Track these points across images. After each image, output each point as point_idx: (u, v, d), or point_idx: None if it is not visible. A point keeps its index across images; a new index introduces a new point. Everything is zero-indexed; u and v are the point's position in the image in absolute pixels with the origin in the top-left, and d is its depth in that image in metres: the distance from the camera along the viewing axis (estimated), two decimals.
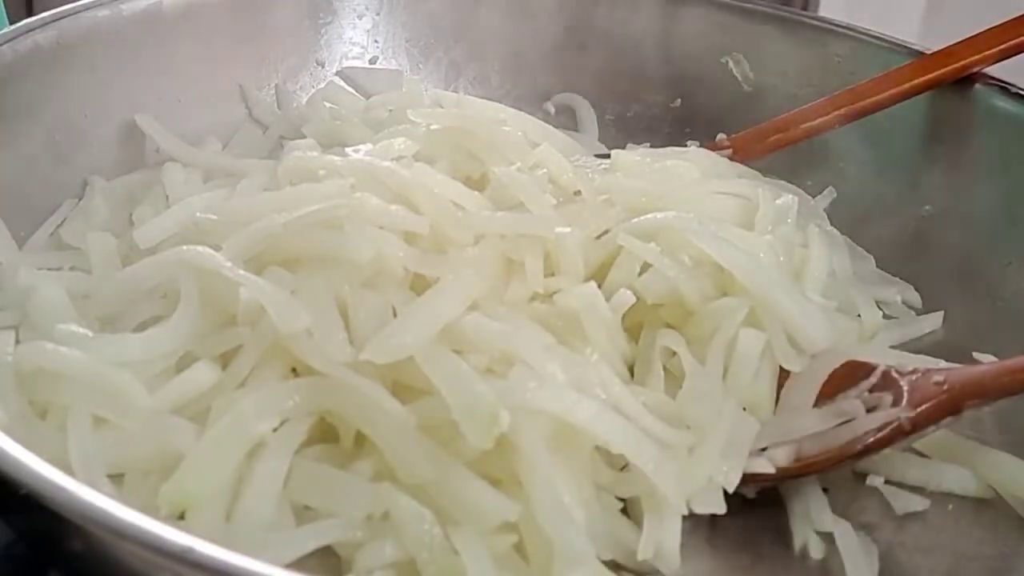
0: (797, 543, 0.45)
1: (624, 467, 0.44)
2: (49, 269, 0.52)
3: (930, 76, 0.62)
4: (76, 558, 0.33)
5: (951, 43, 0.63)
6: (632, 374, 0.49)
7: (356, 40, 0.75)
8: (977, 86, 0.62)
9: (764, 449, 0.46)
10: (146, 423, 0.41)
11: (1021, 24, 0.61)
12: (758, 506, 0.46)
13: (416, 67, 0.77)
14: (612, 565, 0.41)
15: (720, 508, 0.44)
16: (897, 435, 0.44)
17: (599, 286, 0.48)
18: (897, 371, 0.47)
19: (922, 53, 0.65)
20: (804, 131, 0.65)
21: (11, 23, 0.58)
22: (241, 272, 0.44)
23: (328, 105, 0.72)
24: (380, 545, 0.38)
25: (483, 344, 0.43)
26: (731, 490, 0.44)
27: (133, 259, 0.50)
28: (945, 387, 0.44)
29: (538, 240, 0.49)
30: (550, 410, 0.40)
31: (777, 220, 0.57)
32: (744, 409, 0.48)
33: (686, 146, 0.67)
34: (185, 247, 0.45)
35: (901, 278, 0.62)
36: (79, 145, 0.59)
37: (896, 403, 0.45)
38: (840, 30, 0.69)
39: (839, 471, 0.47)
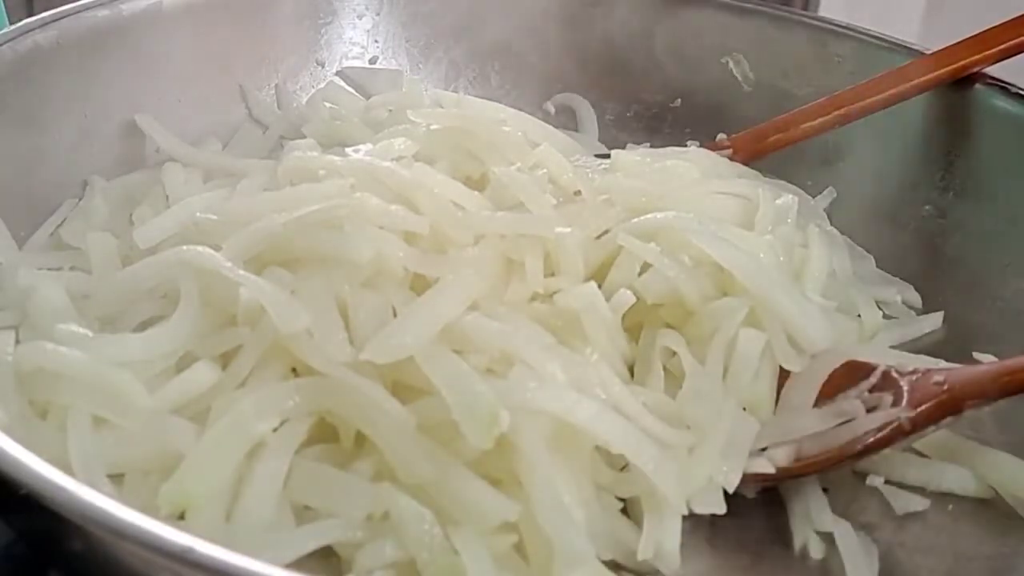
0: (797, 543, 0.45)
1: (624, 467, 0.44)
2: (49, 269, 0.52)
3: (930, 76, 0.62)
4: (76, 558, 0.33)
5: (951, 43, 0.63)
6: (632, 374, 0.49)
7: (356, 40, 0.75)
8: (977, 86, 0.62)
9: (764, 449, 0.46)
10: (146, 423, 0.41)
11: (1021, 24, 0.61)
12: (758, 506, 0.46)
13: (416, 67, 0.77)
14: (612, 565, 0.41)
15: (720, 508, 0.44)
16: (897, 435, 0.44)
17: (599, 286, 0.48)
18: (897, 371, 0.47)
19: (922, 53, 0.65)
20: (804, 131, 0.65)
21: (11, 23, 0.58)
22: (241, 272, 0.44)
23: (328, 105, 0.72)
24: (380, 545, 0.38)
25: (483, 344, 0.43)
26: (731, 490, 0.44)
27: (133, 259, 0.50)
28: (945, 387, 0.44)
29: (538, 240, 0.49)
30: (550, 410, 0.40)
31: (777, 220, 0.57)
32: (744, 409, 0.48)
33: (686, 146, 0.67)
34: (185, 247, 0.45)
35: (901, 278, 0.62)
36: (79, 145, 0.59)
37: (896, 403, 0.45)
38: (840, 30, 0.69)
39: (839, 471, 0.47)
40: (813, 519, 0.45)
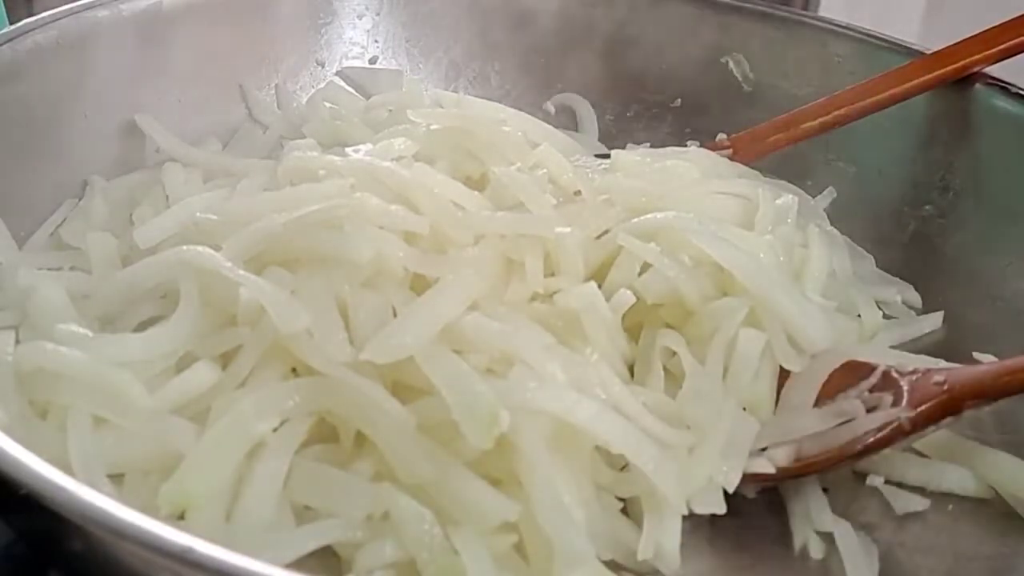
0: (797, 543, 0.45)
1: (624, 467, 0.44)
2: (49, 269, 0.52)
3: (930, 76, 0.62)
4: (76, 558, 0.33)
5: (951, 43, 0.63)
6: (632, 374, 0.49)
7: (356, 40, 0.75)
8: (977, 86, 0.62)
9: (764, 449, 0.46)
10: (146, 423, 0.41)
11: (1021, 24, 0.61)
12: (758, 506, 0.46)
13: (416, 67, 0.77)
14: (612, 565, 0.41)
15: (720, 508, 0.44)
16: (897, 435, 0.44)
17: (599, 286, 0.48)
18: (897, 371, 0.47)
19: (922, 53, 0.65)
20: (804, 131, 0.65)
21: (11, 23, 0.58)
22: (241, 272, 0.44)
23: (328, 105, 0.72)
24: (380, 545, 0.38)
25: (483, 344, 0.43)
26: (731, 490, 0.44)
27: (133, 259, 0.50)
28: (945, 387, 0.44)
29: (538, 240, 0.49)
30: (550, 410, 0.40)
31: (777, 220, 0.57)
32: (744, 409, 0.48)
33: (686, 146, 0.67)
34: (185, 247, 0.45)
35: (901, 278, 0.63)
36: (79, 145, 0.59)
37: (896, 403, 0.45)
38: (840, 30, 0.69)
39: (839, 471, 0.47)
40: (813, 519, 0.45)
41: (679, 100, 0.76)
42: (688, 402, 0.46)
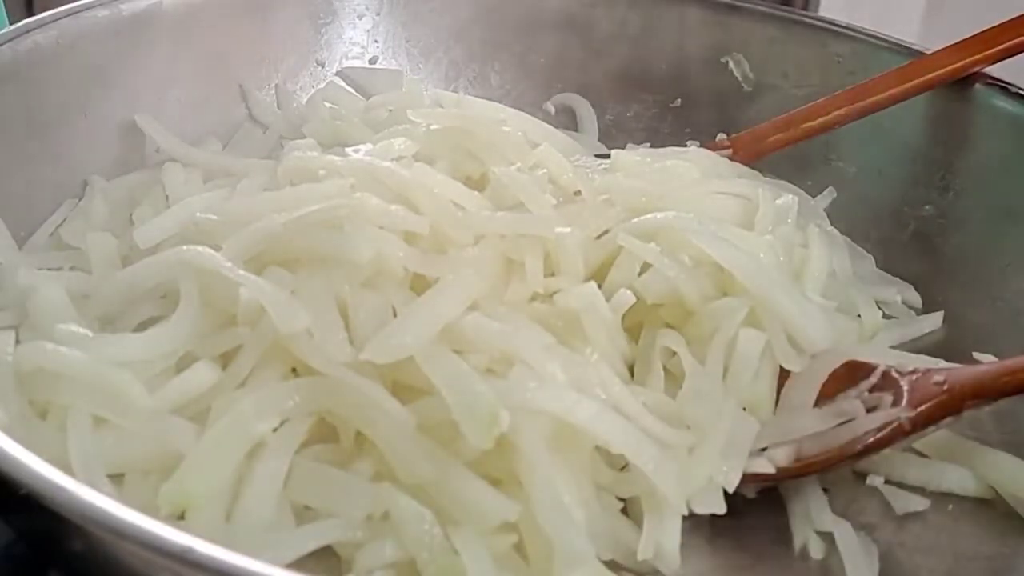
0: (797, 543, 0.45)
1: (624, 467, 0.44)
2: (49, 269, 0.52)
3: (930, 76, 0.62)
4: (76, 558, 0.33)
5: (951, 43, 0.63)
6: (632, 374, 0.49)
7: (356, 40, 0.75)
8: (977, 86, 0.62)
9: (764, 449, 0.46)
10: (146, 423, 0.41)
11: (1021, 24, 0.61)
12: (758, 506, 0.46)
13: (416, 67, 0.77)
14: (612, 565, 0.41)
15: (720, 508, 0.44)
16: (897, 435, 0.44)
17: (599, 286, 0.48)
18: (897, 371, 0.47)
19: (922, 53, 0.65)
20: (804, 131, 0.65)
21: (11, 23, 0.58)
22: (241, 272, 0.44)
23: (328, 105, 0.72)
24: (380, 545, 0.38)
25: (483, 344, 0.43)
26: (731, 490, 0.44)
27: (133, 259, 0.50)
28: (945, 387, 0.44)
29: (538, 240, 0.49)
30: (550, 410, 0.40)
31: (777, 220, 0.57)
32: (744, 409, 0.48)
33: (686, 146, 0.67)
34: (185, 247, 0.45)
35: (901, 278, 0.63)
36: (79, 145, 0.59)
37: (896, 403, 0.45)
38: (840, 30, 0.69)
39: (839, 471, 0.47)
40: (813, 519, 0.45)
41: (679, 100, 0.76)
42: (688, 402, 0.46)
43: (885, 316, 0.59)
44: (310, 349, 0.42)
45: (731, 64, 0.73)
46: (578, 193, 0.56)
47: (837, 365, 0.48)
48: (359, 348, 0.42)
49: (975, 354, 0.54)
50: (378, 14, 0.76)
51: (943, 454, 0.48)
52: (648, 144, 0.74)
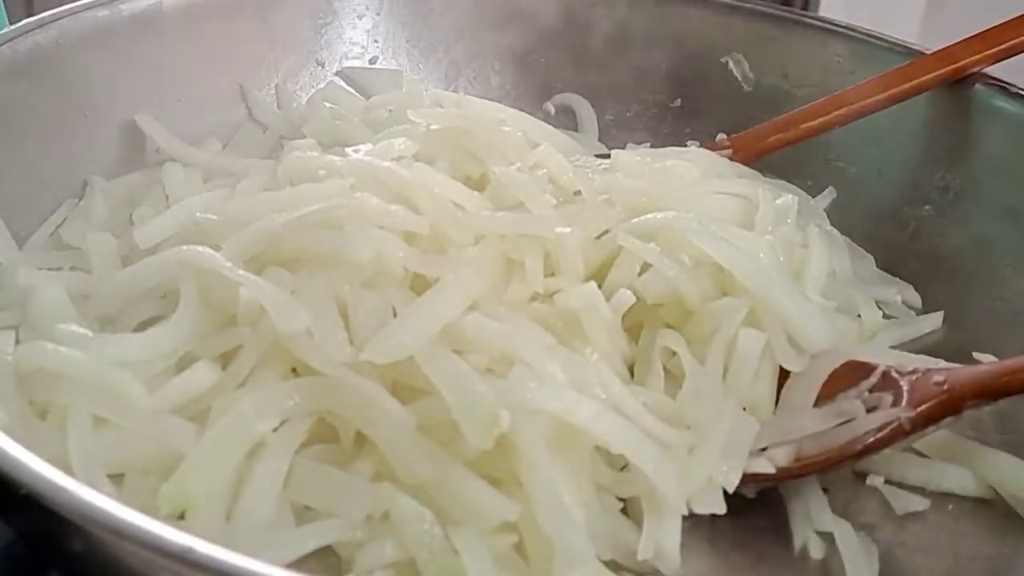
0: (797, 543, 0.45)
1: (624, 467, 0.44)
2: (49, 269, 0.52)
3: (930, 76, 0.62)
4: (76, 558, 0.33)
5: (951, 43, 0.63)
6: (632, 374, 0.49)
7: (356, 40, 0.75)
8: (977, 86, 0.62)
9: (764, 449, 0.46)
10: (146, 423, 0.41)
11: (1021, 24, 0.61)
12: (758, 506, 0.46)
13: (416, 67, 0.77)
14: (612, 565, 0.41)
15: (720, 508, 0.44)
16: (897, 435, 0.44)
17: (599, 286, 0.48)
18: (897, 371, 0.47)
19: (922, 53, 0.65)
20: (804, 131, 0.65)
21: (11, 23, 0.58)
22: (241, 272, 0.44)
23: (328, 105, 0.72)
24: (380, 545, 0.38)
25: (483, 344, 0.43)
26: (731, 490, 0.44)
27: (133, 259, 0.50)
28: (945, 387, 0.44)
29: (538, 240, 0.49)
30: (550, 410, 0.40)
31: (777, 220, 0.57)
32: (744, 409, 0.48)
33: (686, 146, 0.67)
34: (185, 247, 0.45)
35: (901, 278, 0.63)
36: (79, 145, 0.59)
37: (896, 403, 0.45)
38: (840, 30, 0.69)
39: (839, 471, 0.47)
40: (813, 519, 0.45)
41: (679, 100, 0.76)
42: (688, 402, 0.46)
43: (885, 316, 0.59)
44: (310, 349, 0.42)
45: (731, 64, 0.73)
46: (578, 193, 0.56)
47: (837, 365, 0.48)
48: (359, 348, 0.42)
49: (975, 354, 0.54)
50: (378, 14, 0.76)
51: (943, 454, 0.48)
52: (648, 144, 0.74)
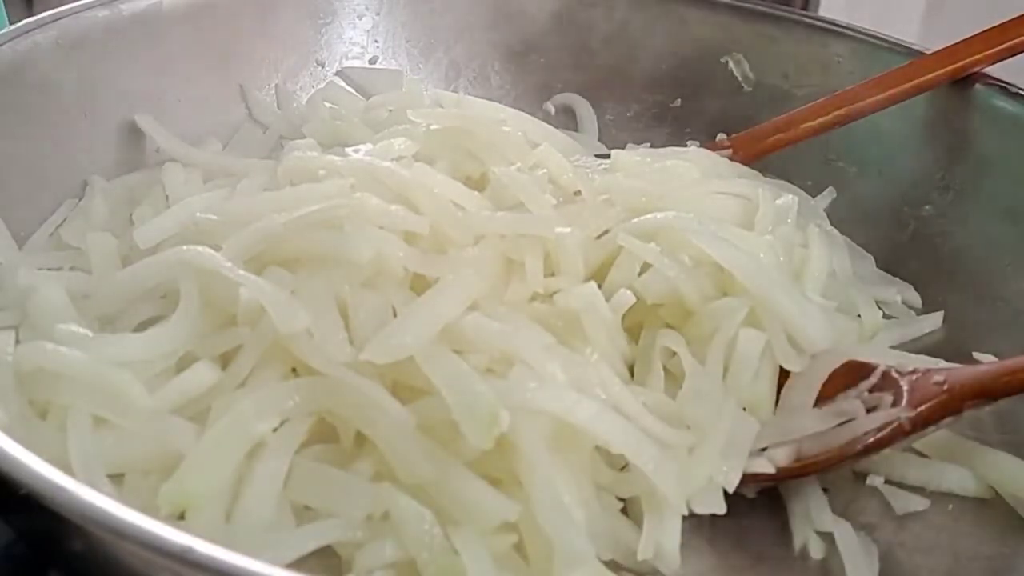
0: (797, 543, 0.45)
1: (624, 467, 0.44)
2: (49, 269, 0.52)
3: (930, 76, 0.62)
4: (76, 558, 0.33)
5: (951, 43, 0.63)
6: (632, 374, 0.49)
7: (356, 40, 0.75)
8: (977, 86, 0.62)
9: (764, 449, 0.46)
10: (146, 423, 0.41)
11: (1021, 24, 0.61)
12: (758, 506, 0.46)
13: (416, 67, 0.77)
14: (612, 565, 0.41)
15: (720, 508, 0.44)
16: (897, 435, 0.44)
17: (599, 286, 0.48)
18: (897, 371, 0.47)
19: (922, 53, 0.65)
20: (804, 131, 0.65)
21: (11, 23, 0.58)
22: (241, 272, 0.44)
23: (328, 105, 0.72)
24: (380, 545, 0.38)
25: (483, 344, 0.43)
26: (731, 490, 0.44)
27: (133, 259, 0.50)
28: (945, 387, 0.44)
29: (538, 240, 0.49)
30: (550, 410, 0.40)
31: (777, 220, 0.57)
32: (744, 409, 0.48)
33: (686, 146, 0.67)
34: (185, 247, 0.45)
35: (901, 278, 0.63)
36: (79, 145, 0.59)
37: (896, 403, 0.45)
38: (840, 30, 0.69)
39: (839, 471, 0.47)
40: (813, 519, 0.45)
41: (679, 100, 0.76)
42: (688, 402, 0.46)
43: (885, 316, 0.59)
44: (310, 349, 0.42)
45: (731, 64, 0.73)
46: (578, 193, 0.56)
47: (837, 365, 0.48)
48: (359, 348, 0.42)
49: (975, 354, 0.54)
50: (378, 14, 0.76)
51: (943, 454, 0.48)
52: (648, 144, 0.74)
